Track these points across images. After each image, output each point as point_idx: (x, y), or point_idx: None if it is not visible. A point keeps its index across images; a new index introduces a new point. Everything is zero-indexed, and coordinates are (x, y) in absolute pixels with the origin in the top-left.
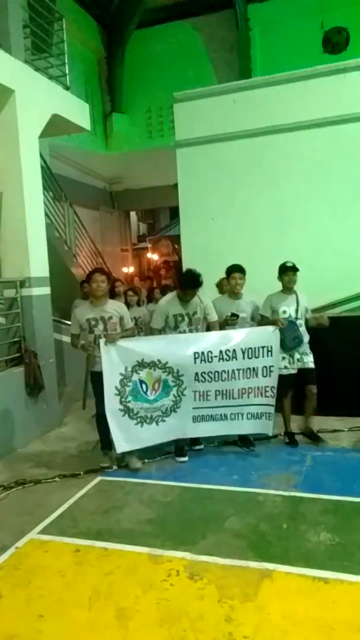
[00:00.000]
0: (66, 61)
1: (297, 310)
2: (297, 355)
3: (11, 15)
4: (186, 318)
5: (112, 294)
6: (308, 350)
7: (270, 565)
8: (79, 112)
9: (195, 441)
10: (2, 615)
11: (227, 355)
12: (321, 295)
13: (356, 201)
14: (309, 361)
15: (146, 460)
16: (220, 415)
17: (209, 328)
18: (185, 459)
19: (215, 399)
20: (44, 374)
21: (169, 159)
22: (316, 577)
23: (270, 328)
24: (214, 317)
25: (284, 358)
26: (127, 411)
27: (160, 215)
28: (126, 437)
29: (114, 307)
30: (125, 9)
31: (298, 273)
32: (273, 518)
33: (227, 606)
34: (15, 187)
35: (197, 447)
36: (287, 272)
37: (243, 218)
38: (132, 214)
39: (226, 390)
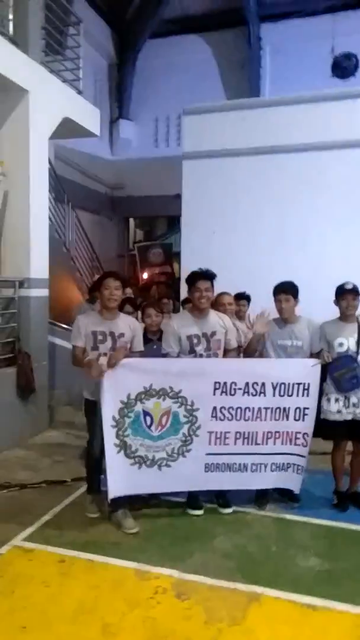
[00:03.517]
0: (80, 66)
1: (358, 343)
2: (353, 399)
3: (31, 15)
4: (203, 340)
5: None
6: None
7: (258, 589)
8: (90, 117)
9: (222, 498)
10: None
11: (254, 389)
12: (319, 317)
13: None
14: None
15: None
16: (239, 465)
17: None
18: (200, 512)
19: (235, 443)
20: (35, 376)
21: (173, 168)
22: (304, 604)
23: (310, 362)
24: (233, 343)
25: (337, 400)
26: (123, 447)
27: (158, 223)
28: (120, 479)
29: (128, 323)
30: (141, 17)
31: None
32: (262, 539)
33: (215, 629)
34: (21, 187)
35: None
36: (345, 295)
37: (245, 234)
38: (131, 221)
39: (248, 434)
